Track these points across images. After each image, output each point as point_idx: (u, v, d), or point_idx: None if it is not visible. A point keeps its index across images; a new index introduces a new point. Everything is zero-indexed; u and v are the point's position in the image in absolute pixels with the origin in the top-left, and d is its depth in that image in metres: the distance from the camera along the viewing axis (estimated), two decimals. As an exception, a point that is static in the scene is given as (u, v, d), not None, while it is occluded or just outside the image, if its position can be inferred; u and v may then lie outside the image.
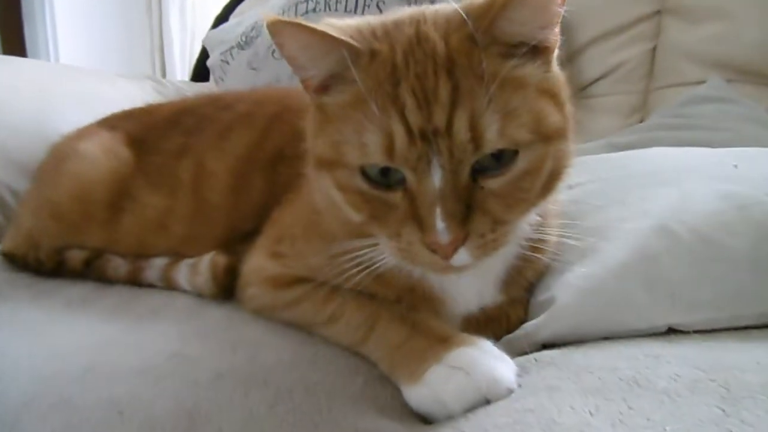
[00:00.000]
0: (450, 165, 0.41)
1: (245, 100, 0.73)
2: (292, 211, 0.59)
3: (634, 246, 0.53)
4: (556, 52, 0.47)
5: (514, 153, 0.42)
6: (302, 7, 1.19)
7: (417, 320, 0.48)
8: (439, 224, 0.40)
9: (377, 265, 0.46)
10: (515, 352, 0.50)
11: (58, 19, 2.49)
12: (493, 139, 0.41)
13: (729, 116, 0.95)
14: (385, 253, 0.45)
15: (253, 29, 1.29)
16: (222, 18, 1.79)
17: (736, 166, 0.62)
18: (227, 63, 1.33)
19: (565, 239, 0.60)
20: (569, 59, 1.18)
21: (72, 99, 1.18)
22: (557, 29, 0.46)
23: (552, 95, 0.45)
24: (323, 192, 0.48)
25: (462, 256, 0.42)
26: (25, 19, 2.49)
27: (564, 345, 0.50)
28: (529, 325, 0.52)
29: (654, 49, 1.17)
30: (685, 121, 0.97)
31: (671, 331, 0.50)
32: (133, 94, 1.34)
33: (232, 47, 1.32)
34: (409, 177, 0.42)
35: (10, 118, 1.06)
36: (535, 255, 0.54)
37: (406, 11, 0.49)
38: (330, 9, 1.14)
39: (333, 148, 0.44)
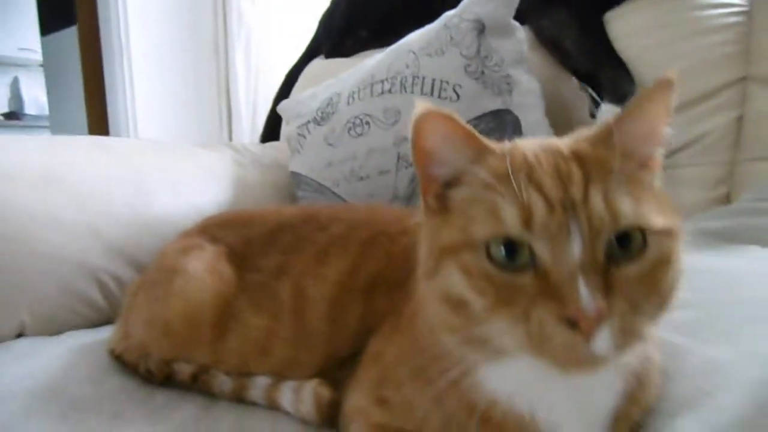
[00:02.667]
0: (589, 235, 0.41)
1: (340, 220, 0.75)
2: (394, 348, 0.60)
3: (752, 398, 0.51)
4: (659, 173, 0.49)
5: (643, 243, 0.43)
6: (377, 88, 1.22)
7: None
8: (583, 291, 0.39)
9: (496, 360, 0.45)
10: None
11: (135, 73, 2.68)
12: (628, 214, 0.42)
13: (830, 201, 0.91)
14: (507, 344, 0.43)
15: (329, 105, 1.33)
16: (292, 76, 1.86)
17: None
18: (304, 137, 1.38)
19: (669, 377, 0.59)
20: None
21: (164, 183, 1.26)
22: (662, 150, 0.49)
23: (663, 203, 0.46)
24: (438, 293, 0.47)
25: (604, 338, 0.39)
26: (108, 97, 2.71)
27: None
28: (642, 484, 0.51)
29: (740, 118, 1.13)
30: (780, 206, 0.93)
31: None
32: (215, 168, 1.41)
33: (309, 121, 1.37)
34: (544, 251, 0.41)
35: (109, 207, 1.14)
36: (641, 389, 0.53)
37: None
38: (405, 91, 1.16)
39: (460, 231, 0.45)
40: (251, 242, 0.80)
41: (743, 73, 1.13)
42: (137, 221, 1.15)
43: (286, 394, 0.68)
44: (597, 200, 0.41)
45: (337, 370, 0.67)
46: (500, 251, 0.42)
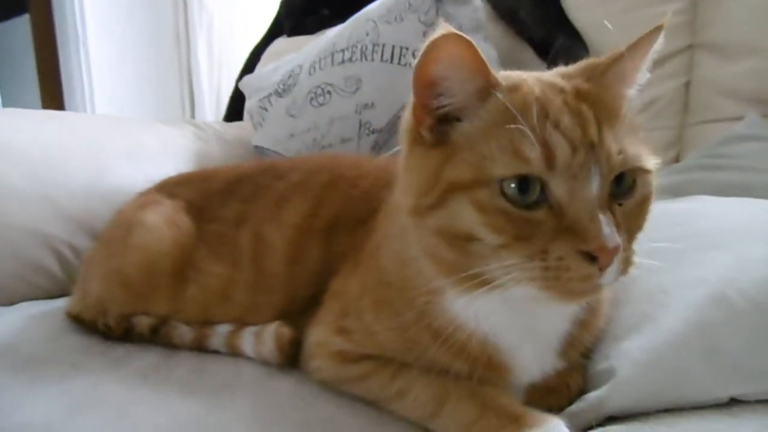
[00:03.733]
0: (606, 174, 0.43)
1: (299, 168, 0.76)
2: (355, 282, 0.61)
3: (690, 316, 0.54)
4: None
5: (633, 182, 0.46)
6: (338, 57, 1.22)
7: (487, 397, 0.50)
8: (606, 228, 0.41)
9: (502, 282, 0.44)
10: (581, 425, 0.51)
11: (92, 61, 2.62)
12: (633, 156, 0.45)
13: (769, 155, 0.95)
14: (517, 276, 0.43)
15: (290, 77, 1.33)
16: (254, 56, 1.85)
17: (790, 224, 0.63)
18: (265, 110, 1.37)
19: (620, 303, 0.62)
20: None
21: (122, 154, 1.24)
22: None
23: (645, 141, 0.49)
24: (438, 227, 0.47)
25: (613, 270, 0.43)
26: (64, 88, 2.64)
27: (627, 417, 0.52)
28: (592, 397, 0.53)
29: (687, 84, 1.18)
30: (724, 161, 0.97)
31: (732, 401, 0.51)
32: (175, 142, 1.39)
33: (270, 94, 1.37)
34: (561, 189, 0.43)
35: (65, 177, 1.11)
36: (592, 317, 0.56)
37: None
38: (366, 59, 1.17)
39: (473, 168, 0.44)
40: (210, 195, 0.79)
41: (690, 41, 1.17)
42: (94, 191, 1.13)
43: (247, 339, 0.68)
44: (612, 142, 0.44)
45: (298, 314, 0.67)
46: (513, 188, 0.43)
